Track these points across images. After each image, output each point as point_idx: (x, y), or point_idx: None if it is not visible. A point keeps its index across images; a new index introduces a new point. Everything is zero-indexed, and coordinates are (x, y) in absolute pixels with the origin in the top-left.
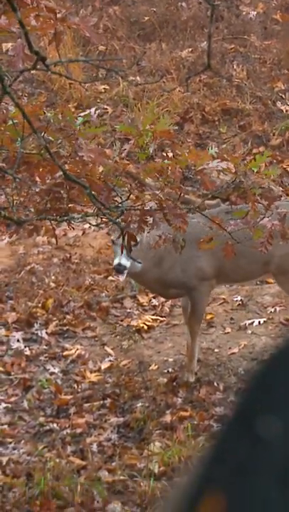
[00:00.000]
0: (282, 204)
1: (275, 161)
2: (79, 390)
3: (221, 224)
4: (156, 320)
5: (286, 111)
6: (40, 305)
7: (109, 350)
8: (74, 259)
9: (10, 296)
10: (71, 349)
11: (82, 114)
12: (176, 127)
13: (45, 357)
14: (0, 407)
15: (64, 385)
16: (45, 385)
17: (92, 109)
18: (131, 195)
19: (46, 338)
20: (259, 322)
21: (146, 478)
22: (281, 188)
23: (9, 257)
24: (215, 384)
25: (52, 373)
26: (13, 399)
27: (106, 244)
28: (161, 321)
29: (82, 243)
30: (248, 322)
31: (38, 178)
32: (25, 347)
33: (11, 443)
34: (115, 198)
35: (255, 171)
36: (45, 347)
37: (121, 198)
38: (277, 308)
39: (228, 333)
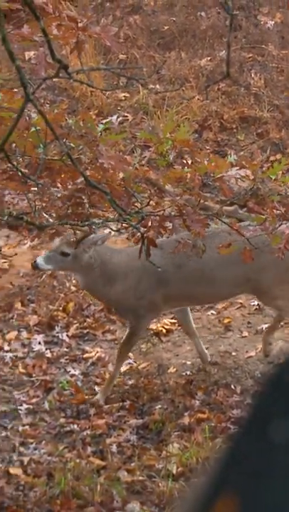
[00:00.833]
0: None
1: None
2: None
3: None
4: (174, 324)
5: None
6: (61, 308)
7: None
8: None
9: (31, 299)
10: (91, 352)
11: (103, 121)
12: (195, 135)
13: (66, 359)
14: (22, 408)
15: (84, 386)
16: (65, 387)
17: (114, 117)
18: (151, 201)
19: (67, 340)
20: None
21: (165, 478)
22: None
23: (31, 261)
24: (232, 387)
25: (72, 375)
26: (34, 400)
27: None
28: (179, 325)
29: None
30: (264, 326)
31: (59, 184)
32: (46, 349)
33: (32, 443)
34: (135, 204)
35: (273, 178)
36: (65, 349)
37: (141, 203)
38: None
39: (245, 336)
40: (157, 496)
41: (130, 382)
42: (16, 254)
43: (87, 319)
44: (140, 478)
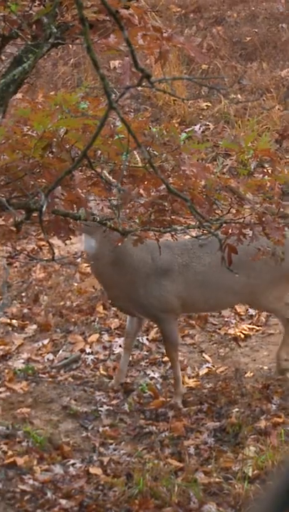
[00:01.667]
0: None
1: None
2: None
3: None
4: (252, 329)
5: None
6: None
7: (206, 357)
8: None
9: None
10: None
11: (186, 130)
12: (276, 144)
13: (146, 362)
14: (102, 410)
15: (163, 390)
16: (145, 389)
17: (197, 126)
18: (231, 209)
19: (147, 344)
20: None
21: (241, 480)
22: None
23: None
24: None
25: (152, 378)
26: (114, 402)
27: None
28: (257, 330)
29: None
30: None
31: (142, 191)
32: None
33: (112, 444)
34: (216, 212)
35: None
36: (145, 353)
37: (222, 211)
38: None
39: None
40: (233, 498)
41: (208, 386)
42: None
43: None
44: (217, 480)
